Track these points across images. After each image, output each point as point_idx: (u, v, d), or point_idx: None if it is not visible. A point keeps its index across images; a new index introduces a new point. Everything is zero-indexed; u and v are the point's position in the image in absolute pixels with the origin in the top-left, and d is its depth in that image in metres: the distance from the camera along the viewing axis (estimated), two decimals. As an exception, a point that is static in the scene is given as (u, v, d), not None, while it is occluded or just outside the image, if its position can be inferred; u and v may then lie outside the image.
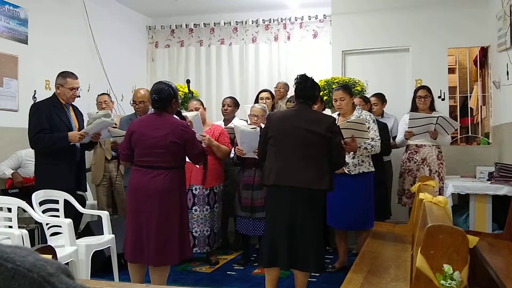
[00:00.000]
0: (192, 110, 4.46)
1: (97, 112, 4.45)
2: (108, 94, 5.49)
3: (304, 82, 3.37)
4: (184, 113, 4.54)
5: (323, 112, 5.20)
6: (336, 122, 4.13)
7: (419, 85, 5.43)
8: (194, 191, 4.39)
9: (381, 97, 5.32)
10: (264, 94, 5.02)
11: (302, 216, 3.17)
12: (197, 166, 3.92)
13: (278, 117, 3.42)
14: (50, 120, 3.98)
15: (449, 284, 1.68)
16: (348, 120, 3.98)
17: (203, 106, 4.62)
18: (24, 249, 0.60)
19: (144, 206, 3.21)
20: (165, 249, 3.20)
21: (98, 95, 5.43)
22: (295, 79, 3.45)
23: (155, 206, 3.19)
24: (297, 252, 3.16)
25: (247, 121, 4.80)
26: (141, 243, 3.22)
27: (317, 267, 3.25)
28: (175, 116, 3.46)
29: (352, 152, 4.01)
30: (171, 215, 3.22)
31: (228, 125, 4.91)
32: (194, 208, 4.38)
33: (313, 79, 3.43)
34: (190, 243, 3.61)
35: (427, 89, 4.84)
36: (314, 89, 3.41)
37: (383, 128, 4.66)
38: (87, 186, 5.26)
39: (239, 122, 4.83)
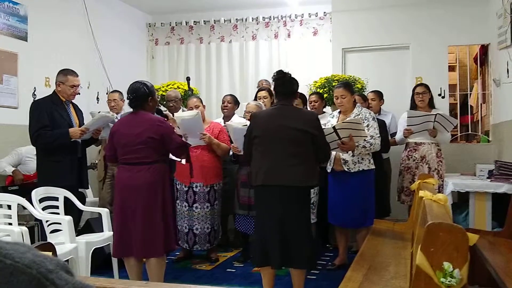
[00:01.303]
0: (191, 108, 4.46)
1: (99, 112, 4.44)
2: (120, 92, 5.43)
3: (282, 77, 3.36)
4: (184, 111, 4.55)
5: (324, 109, 5.21)
6: (337, 120, 4.17)
7: (419, 82, 5.43)
8: (194, 189, 4.39)
9: (378, 94, 5.33)
10: (262, 93, 5.00)
11: (292, 214, 3.17)
12: (182, 161, 4.01)
13: (262, 117, 3.41)
14: (50, 117, 3.99)
15: (449, 281, 1.68)
16: (344, 121, 3.97)
17: (202, 103, 4.61)
18: (23, 246, 0.60)
19: (129, 201, 3.33)
20: (151, 241, 3.31)
21: (110, 92, 5.39)
22: (272, 76, 3.44)
23: (139, 200, 3.31)
24: (289, 250, 3.16)
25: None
26: (127, 237, 3.33)
27: (308, 264, 3.24)
28: (156, 114, 3.60)
29: (351, 151, 4.00)
30: (155, 208, 3.33)
31: (227, 123, 4.90)
32: (194, 205, 4.39)
33: (290, 74, 3.41)
34: (174, 235, 3.71)
35: (425, 86, 4.87)
36: (292, 83, 3.39)
37: (381, 125, 4.66)
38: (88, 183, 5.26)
39: (237, 120, 4.84)
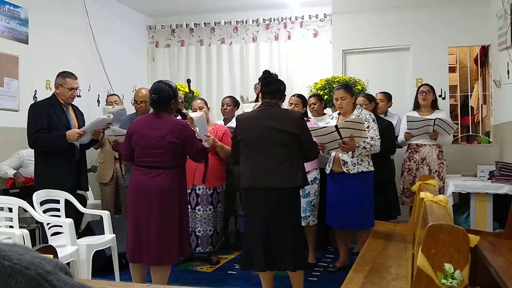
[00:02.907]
0: (196, 110, 4.46)
1: (113, 107, 4.44)
2: (117, 95, 5.47)
3: (268, 77, 3.35)
4: (189, 113, 4.54)
5: (324, 111, 5.21)
6: (337, 122, 4.16)
7: (419, 84, 5.44)
8: (197, 191, 4.39)
9: (387, 95, 5.34)
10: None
11: (278, 215, 3.17)
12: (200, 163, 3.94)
13: (245, 119, 3.41)
14: (49, 120, 3.98)
15: (450, 283, 1.68)
16: (346, 120, 3.96)
17: (207, 105, 4.61)
18: (22, 247, 0.60)
19: (144, 206, 3.23)
20: (165, 248, 3.22)
21: (108, 96, 5.42)
22: (259, 77, 3.44)
23: (154, 206, 3.21)
24: (274, 252, 3.16)
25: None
26: (141, 242, 3.24)
27: (295, 265, 3.21)
28: (175, 114, 3.50)
29: (351, 152, 4.00)
30: (171, 214, 3.23)
31: (228, 125, 4.91)
32: (197, 207, 4.39)
33: (276, 75, 3.41)
34: (189, 242, 3.61)
35: (430, 86, 4.90)
36: (279, 83, 3.38)
37: (388, 126, 4.66)
38: (88, 185, 5.27)
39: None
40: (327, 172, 4.23)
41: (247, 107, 4.92)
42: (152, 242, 3.21)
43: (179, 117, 3.61)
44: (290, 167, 3.21)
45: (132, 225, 3.30)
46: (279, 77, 3.45)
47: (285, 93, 3.49)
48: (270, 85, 3.34)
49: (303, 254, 3.35)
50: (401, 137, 4.90)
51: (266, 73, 3.38)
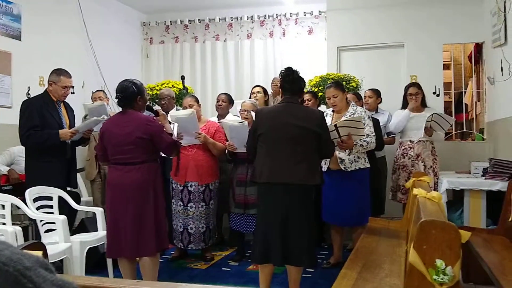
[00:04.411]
0: (186, 107, 4.44)
1: (92, 103, 4.44)
2: (103, 91, 5.48)
3: (291, 75, 3.36)
4: (179, 110, 4.54)
5: (318, 108, 5.20)
6: (331, 119, 4.16)
7: (413, 81, 5.44)
8: (189, 188, 4.38)
9: (376, 92, 5.33)
10: (256, 89, 5.02)
11: (295, 211, 3.18)
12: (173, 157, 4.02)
13: (267, 113, 3.41)
14: (41, 117, 3.95)
15: (441, 279, 1.68)
16: (346, 119, 3.97)
17: (198, 102, 4.59)
18: (2, 243, 0.59)
19: (119, 201, 3.32)
20: (141, 241, 3.30)
21: (93, 92, 5.42)
22: (281, 73, 3.44)
23: (129, 200, 3.30)
24: (290, 248, 3.17)
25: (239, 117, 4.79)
26: (119, 237, 3.32)
27: (310, 262, 3.26)
28: (146, 111, 3.61)
29: (348, 149, 4.00)
30: (145, 208, 3.31)
31: (222, 121, 4.89)
32: (189, 204, 4.37)
33: (298, 72, 3.42)
34: (167, 234, 3.67)
35: (418, 86, 4.89)
36: (301, 81, 3.41)
37: (374, 124, 4.66)
38: (82, 182, 5.25)
39: (230, 118, 4.82)
40: (324, 170, 4.23)
41: (240, 104, 4.91)
42: (129, 236, 3.29)
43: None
44: (309, 165, 3.22)
45: (110, 221, 3.38)
46: (288, 74, 3.43)
47: (303, 91, 3.52)
48: (293, 83, 3.35)
49: (315, 251, 3.38)
50: (394, 123, 4.90)
51: (289, 70, 3.39)
